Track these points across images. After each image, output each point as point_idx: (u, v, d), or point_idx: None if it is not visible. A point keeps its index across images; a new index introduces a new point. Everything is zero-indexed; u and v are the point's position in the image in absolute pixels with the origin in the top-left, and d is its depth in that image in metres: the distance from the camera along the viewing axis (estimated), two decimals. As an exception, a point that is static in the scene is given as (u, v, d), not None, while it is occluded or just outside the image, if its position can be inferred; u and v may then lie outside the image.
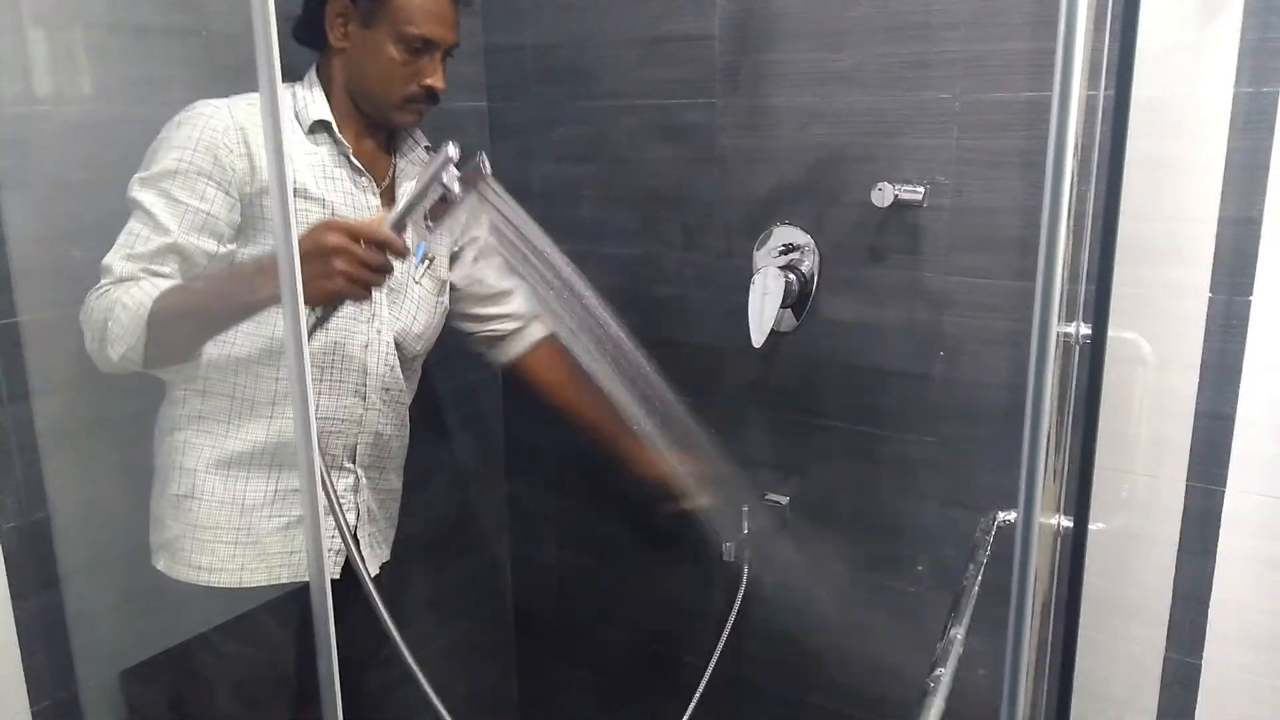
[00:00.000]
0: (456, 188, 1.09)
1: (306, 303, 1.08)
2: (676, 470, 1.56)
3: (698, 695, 1.66)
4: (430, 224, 1.11)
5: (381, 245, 1.05)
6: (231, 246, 1.18)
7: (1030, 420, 0.56)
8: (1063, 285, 0.56)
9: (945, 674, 0.82)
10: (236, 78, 1.32)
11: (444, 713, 1.17)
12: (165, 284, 1.12)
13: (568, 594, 2.10)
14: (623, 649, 2.03)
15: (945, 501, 1.55)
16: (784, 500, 1.70)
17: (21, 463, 1.23)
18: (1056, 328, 0.54)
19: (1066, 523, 0.77)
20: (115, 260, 1.13)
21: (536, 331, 1.57)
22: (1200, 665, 1.36)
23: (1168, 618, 1.37)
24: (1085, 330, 0.76)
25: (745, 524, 1.66)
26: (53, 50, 1.27)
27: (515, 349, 1.56)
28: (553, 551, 2.08)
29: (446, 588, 2.01)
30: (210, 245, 1.17)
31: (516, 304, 1.55)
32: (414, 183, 1.35)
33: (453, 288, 1.48)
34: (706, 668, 1.68)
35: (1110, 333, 1.03)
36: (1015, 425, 1.47)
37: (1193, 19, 1.24)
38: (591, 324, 1.30)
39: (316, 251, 1.01)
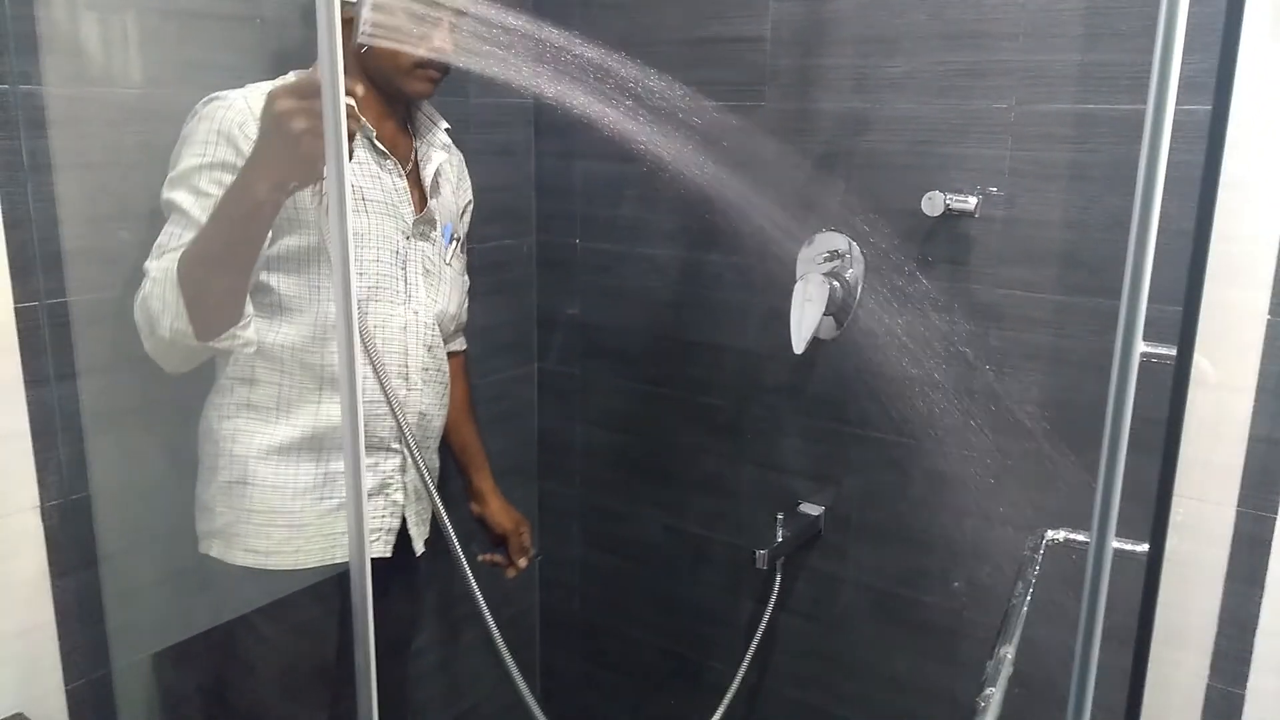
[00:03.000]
0: None
1: (298, 187, 1.06)
2: (516, 527, 1.64)
3: (725, 704, 1.65)
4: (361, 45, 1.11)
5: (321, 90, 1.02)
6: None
7: (1108, 441, 0.54)
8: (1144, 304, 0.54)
9: (996, 694, 0.80)
10: (287, 63, 1.33)
11: (524, 689, 1.15)
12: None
13: (594, 594, 2.09)
14: (648, 652, 2.02)
15: (983, 517, 1.52)
16: (819, 509, 1.69)
17: (65, 441, 1.24)
18: (1140, 347, 0.53)
19: (1124, 545, 0.75)
20: (153, 262, 1.14)
21: (458, 343, 1.58)
22: (1244, 695, 1.33)
23: (1212, 645, 1.34)
24: (1151, 350, 0.74)
25: (779, 532, 1.65)
26: (106, 34, 1.28)
27: None
28: (580, 551, 2.07)
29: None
30: None
31: (465, 307, 1.54)
32: (434, 164, 1.36)
33: None
34: (734, 675, 1.67)
35: (1172, 352, 1.01)
36: (1056, 443, 1.45)
37: (1256, 31, 1.21)
38: None
39: (276, 129, 0.98)
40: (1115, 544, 0.77)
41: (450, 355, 1.51)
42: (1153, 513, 0.87)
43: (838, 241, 1.57)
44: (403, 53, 1.24)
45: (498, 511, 1.64)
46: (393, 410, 1.25)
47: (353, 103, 1.07)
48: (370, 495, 1.31)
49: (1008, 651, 0.88)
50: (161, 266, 1.12)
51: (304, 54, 1.37)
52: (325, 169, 1.06)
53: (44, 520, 1.23)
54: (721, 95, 1.65)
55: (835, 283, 1.53)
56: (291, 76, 1.21)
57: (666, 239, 1.79)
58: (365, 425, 1.25)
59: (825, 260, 1.57)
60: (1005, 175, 1.41)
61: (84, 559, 1.28)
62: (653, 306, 1.83)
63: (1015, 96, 1.38)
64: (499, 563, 1.66)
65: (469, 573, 1.18)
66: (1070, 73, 1.34)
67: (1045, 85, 1.36)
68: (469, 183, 1.52)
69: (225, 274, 1.12)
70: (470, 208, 1.52)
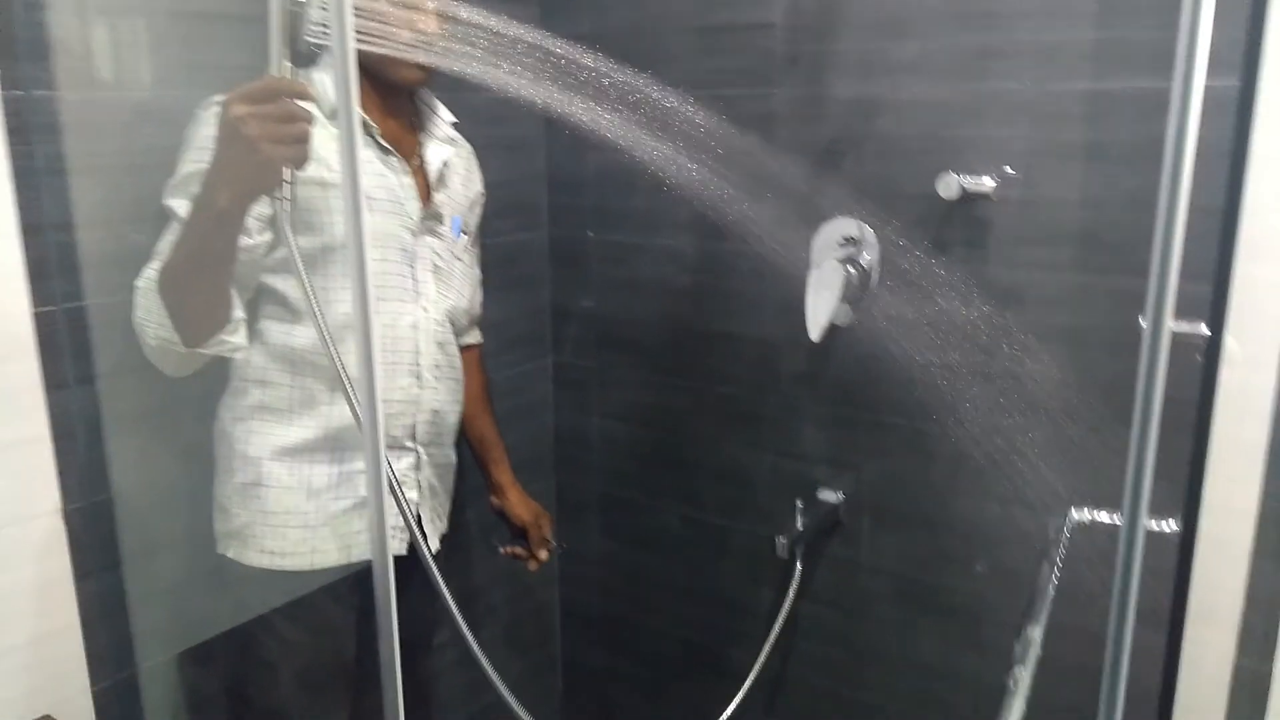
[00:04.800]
0: None
1: (259, 192, 1.05)
2: (535, 518, 1.64)
3: (744, 689, 1.65)
4: (312, 44, 1.08)
5: (275, 95, 1.00)
6: (262, 238, 1.17)
7: (1139, 421, 0.53)
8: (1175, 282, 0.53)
9: (1025, 673, 0.80)
10: (298, 64, 1.32)
11: (506, 693, 1.16)
12: None
13: (614, 586, 2.09)
14: (669, 643, 2.02)
15: (1005, 500, 1.51)
16: (839, 496, 1.68)
17: (86, 445, 1.24)
18: (1170, 325, 0.52)
19: (1153, 525, 0.74)
20: (148, 268, 1.13)
21: (472, 336, 1.58)
22: (1271, 672, 1.32)
23: (1239, 623, 1.33)
24: (1179, 328, 0.73)
25: (799, 520, 1.64)
26: (117, 37, 1.28)
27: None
28: (599, 543, 2.07)
29: (491, 578, 2.01)
30: (240, 239, 1.16)
31: (478, 301, 1.53)
32: (439, 158, 1.34)
33: None
34: (754, 663, 1.67)
35: (1196, 328, 1.00)
36: (1078, 424, 1.44)
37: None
38: None
39: (231, 137, 0.98)
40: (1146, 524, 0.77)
41: (465, 349, 1.51)
42: (1182, 492, 0.87)
43: (852, 227, 1.56)
44: (388, 42, 1.22)
45: (517, 504, 1.64)
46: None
47: (312, 108, 1.06)
48: (373, 497, 1.30)
49: (1036, 632, 0.87)
50: (146, 276, 1.12)
51: (317, 54, 1.37)
52: (290, 173, 1.06)
53: (67, 523, 1.24)
54: (732, 82, 1.64)
55: (850, 269, 1.52)
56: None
57: (680, 229, 1.79)
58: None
59: (840, 246, 1.56)
60: (1022, 156, 1.40)
61: (107, 561, 1.28)
62: (667, 297, 1.83)
63: (1030, 76, 1.37)
64: (520, 555, 1.66)
65: (442, 586, 1.16)
66: (1086, 51, 1.33)
67: (1061, 64, 1.35)
68: (479, 175, 1.51)
69: (202, 282, 1.11)
70: (482, 200, 1.51)
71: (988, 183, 1.40)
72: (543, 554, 1.66)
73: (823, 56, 1.54)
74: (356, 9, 1.17)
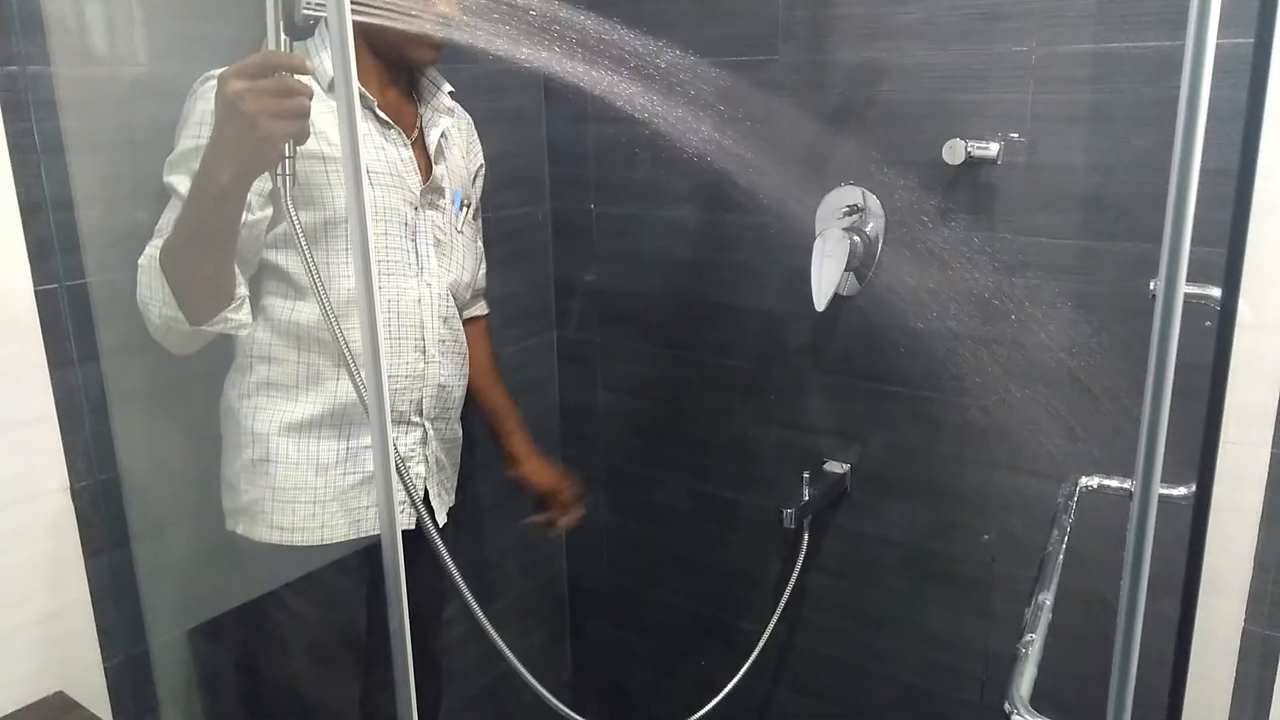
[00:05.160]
0: None
1: (260, 169, 1.05)
2: (557, 483, 1.63)
3: (751, 659, 1.65)
4: (309, 16, 1.06)
5: (272, 69, 0.99)
6: (263, 213, 1.17)
7: (1152, 385, 0.52)
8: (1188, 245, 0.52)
9: (1036, 640, 0.79)
10: (296, 36, 1.31)
11: (517, 663, 1.17)
12: None
13: (621, 560, 2.10)
14: (678, 616, 2.03)
15: (1012, 468, 1.51)
16: (845, 467, 1.68)
17: (91, 422, 1.24)
18: (1183, 288, 0.51)
19: (1164, 490, 0.73)
20: (150, 245, 1.13)
21: (478, 308, 1.58)
22: (1281, 638, 1.32)
23: (1248, 589, 1.33)
24: (1191, 290, 0.72)
25: (805, 491, 1.64)
26: (111, 10, 1.26)
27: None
28: (606, 517, 2.08)
29: (500, 552, 2.01)
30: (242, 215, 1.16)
31: (481, 273, 1.53)
32: (439, 130, 1.33)
33: None
34: (762, 634, 1.67)
35: (1207, 291, 0.99)
36: (1085, 390, 1.43)
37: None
38: None
39: (229, 112, 0.97)
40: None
41: (471, 321, 1.50)
42: (1193, 457, 0.86)
43: (856, 195, 1.55)
44: (402, 18, 1.22)
45: (536, 471, 1.63)
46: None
47: (311, 82, 1.05)
48: (380, 472, 1.30)
49: (1046, 598, 0.87)
50: (148, 254, 1.12)
51: (313, 27, 1.35)
52: (290, 148, 1.05)
53: (74, 501, 1.24)
54: (733, 50, 1.63)
55: (855, 237, 1.51)
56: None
57: (683, 201, 1.78)
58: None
59: (844, 215, 1.55)
60: (1027, 120, 1.38)
61: (116, 538, 1.29)
62: (671, 270, 1.82)
63: (1036, 39, 1.35)
64: (546, 523, 1.64)
65: (448, 559, 1.17)
66: (1091, 11, 1.31)
67: (1066, 26, 1.33)
68: (479, 146, 1.50)
69: (204, 260, 1.10)
70: (483, 171, 1.50)
71: (993, 148, 1.38)
72: (572, 515, 1.64)
73: (824, 21, 1.52)
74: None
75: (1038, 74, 1.36)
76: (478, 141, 1.49)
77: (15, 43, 1.12)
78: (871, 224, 1.54)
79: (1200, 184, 0.53)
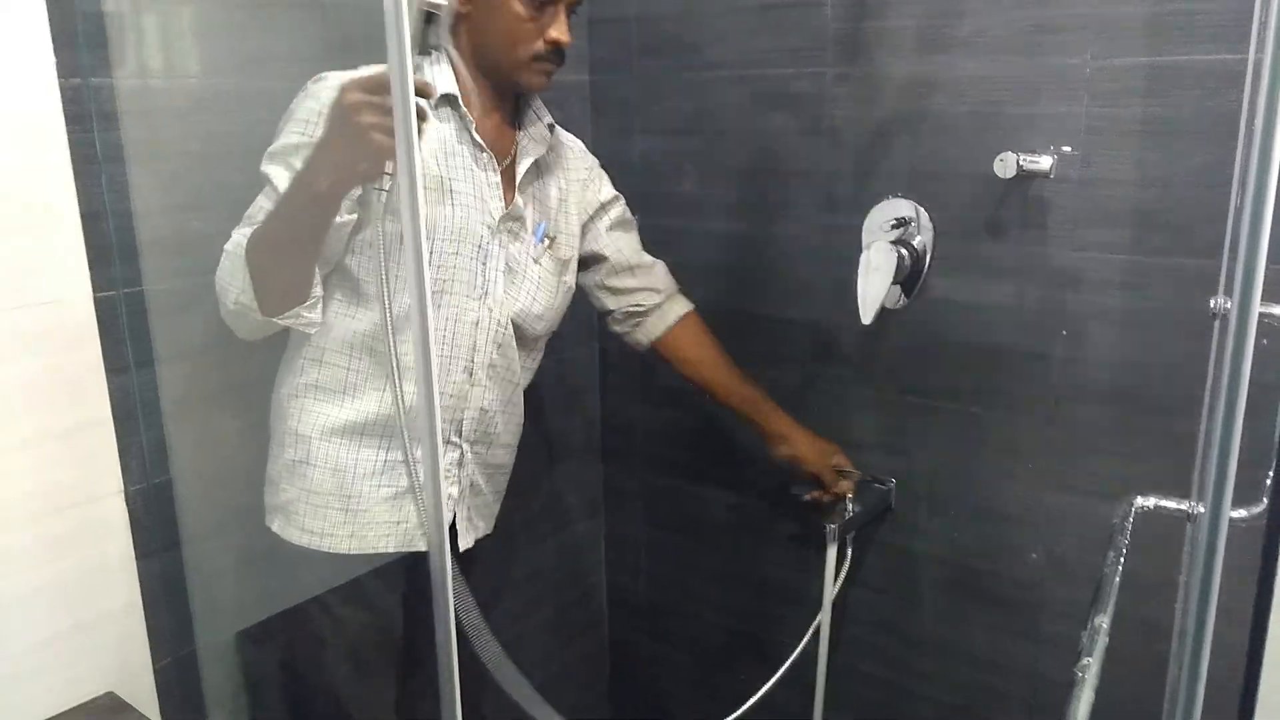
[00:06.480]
0: None
1: (362, 181, 1.07)
2: (821, 458, 1.58)
3: (781, 671, 1.63)
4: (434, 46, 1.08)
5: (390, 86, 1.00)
6: (351, 217, 1.18)
7: (1225, 405, 0.51)
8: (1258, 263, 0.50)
9: (1093, 664, 0.78)
10: (353, 51, 1.33)
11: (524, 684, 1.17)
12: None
13: (660, 574, 2.09)
14: (716, 631, 2.02)
15: (1061, 487, 1.48)
16: (891, 483, 1.66)
17: (146, 427, 1.26)
18: (1258, 308, 0.50)
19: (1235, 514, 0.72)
20: (238, 231, 1.15)
21: (679, 307, 1.56)
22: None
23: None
24: (1266, 310, 0.70)
25: (849, 507, 1.62)
26: (171, 24, 1.29)
27: (658, 327, 1.55)
28: (645, 531, 2.07)
29: (541, 564, 2.02)
30: None
31: (657, 278, 1.54)
32: (530, 159, 1.34)
33: (594, 259, 1.49)
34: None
35: (1272, 310, 0.97)
36: (1138, 407, 1.40)
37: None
38: None
39: (343, 122, 0.97)
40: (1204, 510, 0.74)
41: (681, 322, 1.54)
42: (1254, 477, 0.84)
43: (904, 208, 1.53)
44: (520, 45, 1.23)
45: (806, 446, 1.58)
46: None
47: (425, 104, 1.06)
48: (423, 487, 1.31)
49: (1103, 621, 0.85)
50: (235, 240, 1.14)
51: (369, 41, 1.37)
52: (392, 165, 1.06)
53: (128, 504, 1.26)
54: (784, 62, 1.62)
55: (903, 250, 1.49)
56: (365, 70, 1.21)
57: (728, 212, 1.77)
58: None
59: (892, 228, 1.53)
60: (1081, 134, 1.36)
61: (167, 541, 1.31)
62: (715, 281, 1.81)
63: (1090, 51, 1.33)
64: (822, 498, 1.60)
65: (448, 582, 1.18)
66: (1146, 24, 1.29)
67: (1122, 38, 1.31)
68: (601, 185, 1.48)
69: (288, 258, 1.13)
70: (599, 209, 1.48)
71: (1045, 161, 1.37)
72: (843, 486, 1.60)
73: (875, 34, 1.51)
74: (503, 13, 1.19)
75: (1092, 87, 1.34)
76: (599, 181, 1.48)
77: (80, 55, 1.15)
78: (920, 237, 1.52)
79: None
